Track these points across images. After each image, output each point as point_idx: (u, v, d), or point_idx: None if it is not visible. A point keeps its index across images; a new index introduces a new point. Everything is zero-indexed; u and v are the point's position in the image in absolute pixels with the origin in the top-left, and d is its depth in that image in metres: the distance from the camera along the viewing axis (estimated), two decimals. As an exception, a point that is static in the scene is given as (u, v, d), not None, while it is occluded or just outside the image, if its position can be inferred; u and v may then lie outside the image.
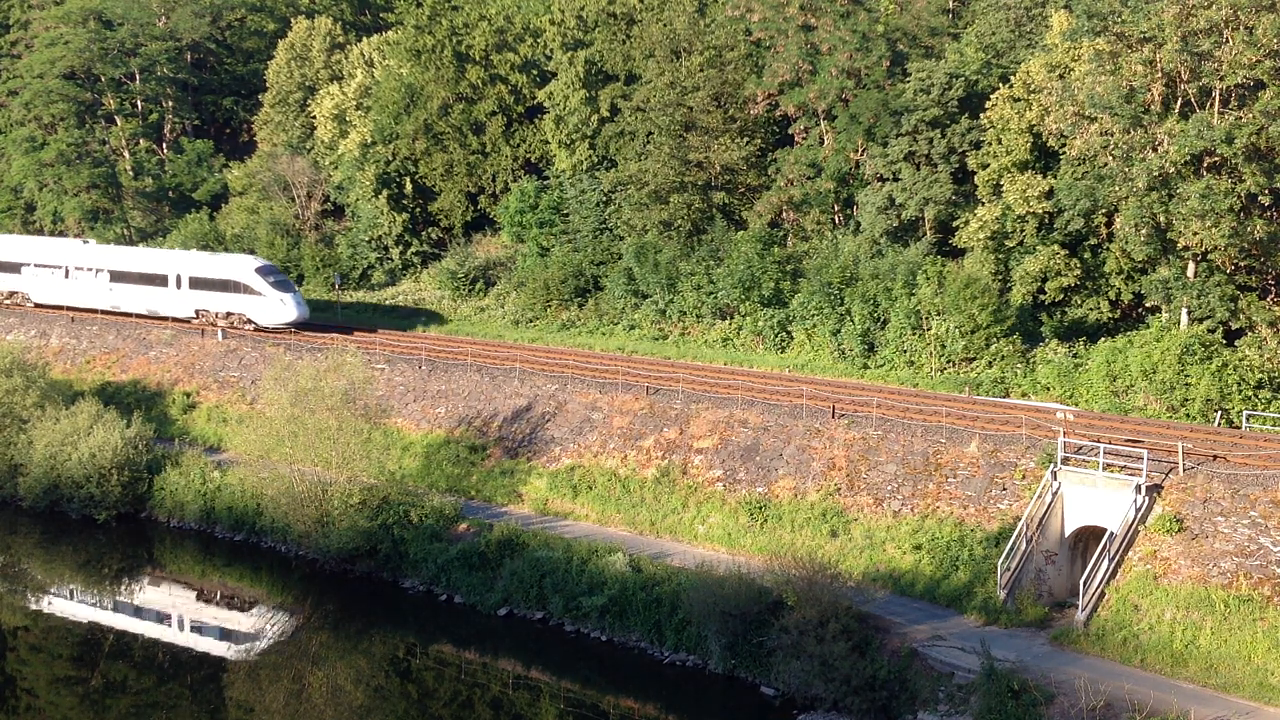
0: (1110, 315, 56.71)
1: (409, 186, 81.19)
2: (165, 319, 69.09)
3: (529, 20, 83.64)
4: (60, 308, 73.42)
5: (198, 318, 68.27)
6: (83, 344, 71.03)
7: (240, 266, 67.11)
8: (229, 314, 67.23)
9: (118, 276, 70.78)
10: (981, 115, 59.56)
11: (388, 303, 77.87)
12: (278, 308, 65.63)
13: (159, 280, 69.25)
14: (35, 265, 74.05)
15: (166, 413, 63.03)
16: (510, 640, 43.32)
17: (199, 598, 49.34)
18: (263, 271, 66.77)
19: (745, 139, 68.45)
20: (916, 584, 40.90)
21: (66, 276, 72.59)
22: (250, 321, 66.53)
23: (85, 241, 76.79)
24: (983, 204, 58.61)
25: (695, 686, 39.10)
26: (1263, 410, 47.16)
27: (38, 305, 74.75)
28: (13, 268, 75.50)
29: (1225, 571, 36.46)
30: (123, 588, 51.01)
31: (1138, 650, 35.78)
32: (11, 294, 75.91)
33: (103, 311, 71.57)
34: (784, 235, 67.66)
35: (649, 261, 66.94)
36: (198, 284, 67.87)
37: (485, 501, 51.56)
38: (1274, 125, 47.76)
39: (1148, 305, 55.63)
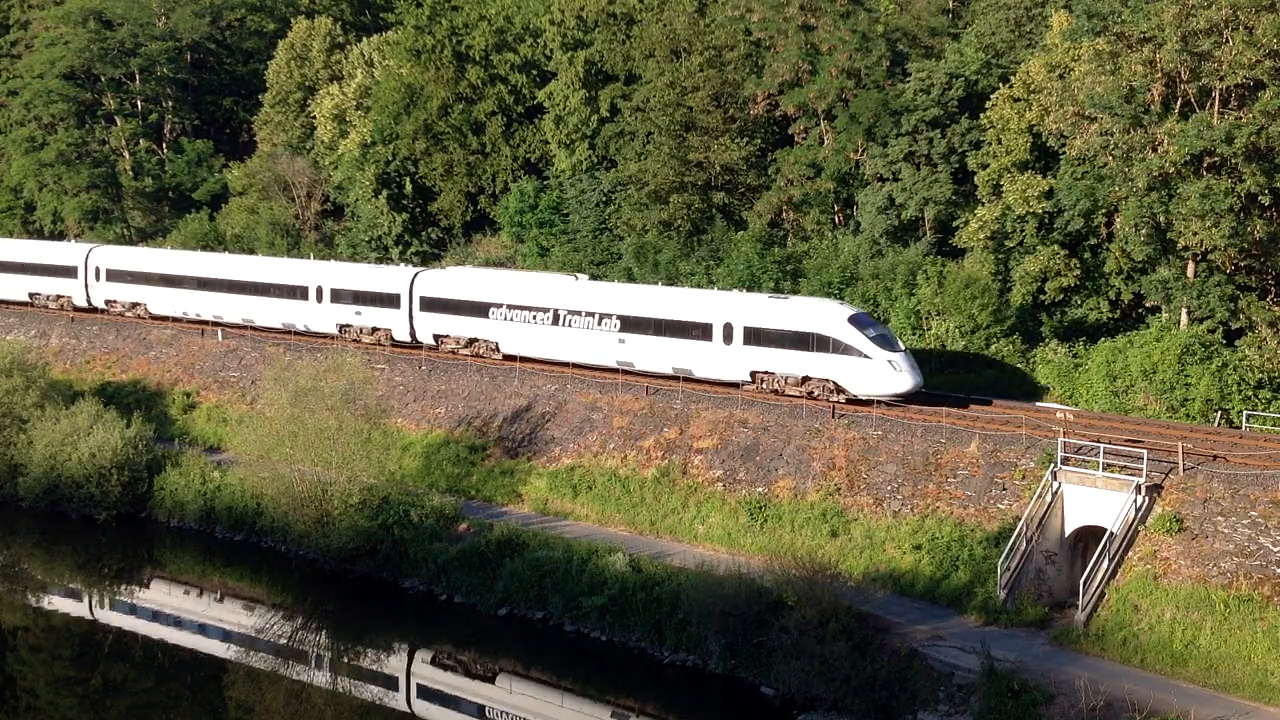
0: (1110, 315, 56.68)
1: (409, 186, 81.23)
2: (706, 383, 52.80)
3: (529, 20, 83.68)
4: (537, 362, 57.58)
5: (754, 382, 51.43)
6: (83, 344, 71.04)
7: (824, 315, 49.66)
8: (805, 379, 50.06)
9: (633, 325, 54.01)
10: (981, 115, 59.54)
11: None
12: (885, 373, 47.94)
13: (696, 331, 52.30)
14: (509, 307, 58.07)
15: (166, 413, 63.02)
16: (510, 640, 43.32)
17: (199, 598, 49.33)
18: (858, 323, 49.21)
19: (745, 139, 68.46)
20: (916, 584, 40.90)
21: (555, 323, 56.31)
22: (840, 390, 49.17)
23: (576, 276, 59.91)
24: (983, 204, 58.59)
25: (695, 686, 39.10)
26: (1263, 410, 47.16)
27: (507, 358, 58.83)
28: (476, 309, 59.47)
29: (1225, 571, 36.46)
30: (123, 588, 51.02)
31: (1138, 650, 35.78)
32: (471, 342, 60.21)
33: (607, 369, 55.46)
34: (784, 235, 67.66)
35: (649, 261, 66.94)
36: (755, 337, 50.74)
37: (485, 501, 51.56)
38: (1274, 125, 47.73)
39: (1148, 305, 55.61)
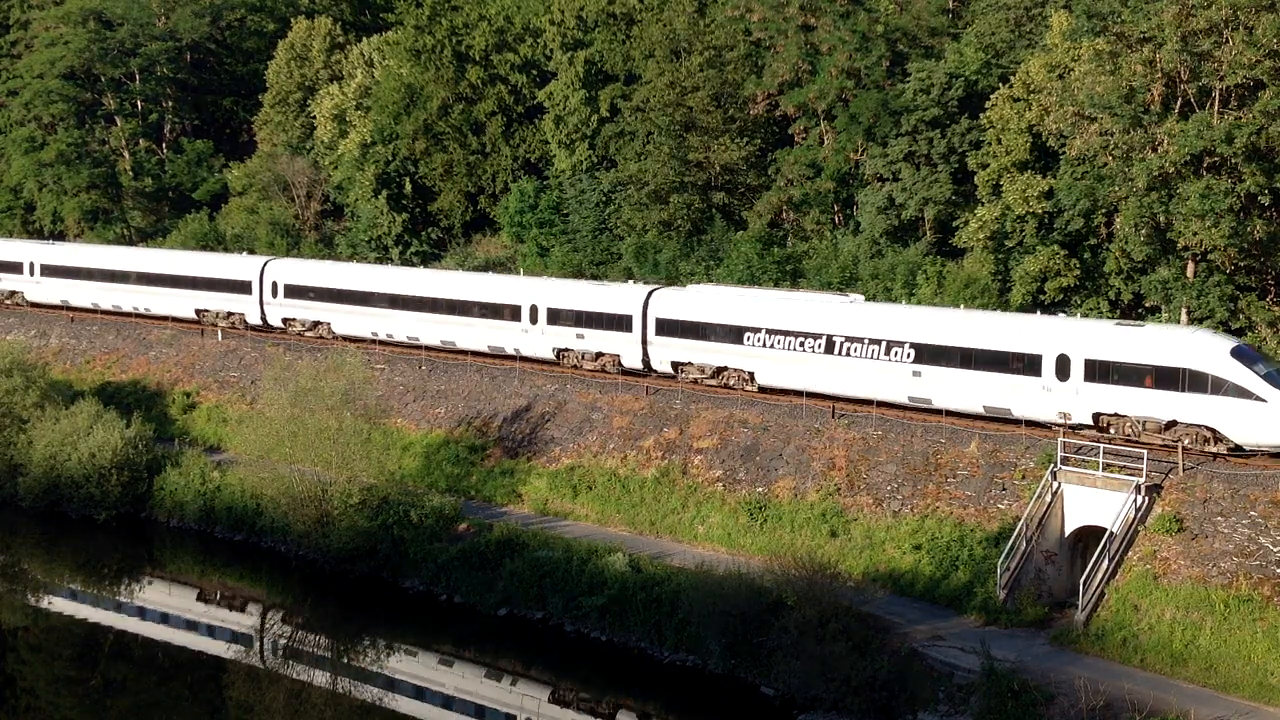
0: (1110, 315, 56.67)
1: (409, 186, 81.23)
2: (1028, 424, 44.87)
3: (529, 20, 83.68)
4: (807, 396, 49.75)
5: (1095, 426, 43.28)
6: (83, 344, 71.05)
7: (1200, 348, 40.96)
8: (1170, 424, 41.47)
9: (931, 355, 46.08)
10: (981, 115, 59.53)
11: None
12: None
13: (1019, 363, 44.16)
14: (768, 332, 50.36)
15: (166, 413, 63.03)
16: (510, 640, 43.32)
17: (199, 598, 49.33)
18: (1244, 356, 40.52)
19: (745, 139, 68.46)
20: (916, 584, 40.91)
21: (829, 351, 48.56)
22: (1219, 439, 40.59)
23: (850, 296, 51.56)
24: (982, 204, 58.58)
25: (695, 686, 39.09)
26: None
27: (763, 390, 51.14)
28: (726, 334, 51.80)
29: (1225, 571, 36.46)
30: (123, 588, 51.02)
31: (1137, 650, 35.78)
32: (719, 371, 52.39)
33: (897, 406, 47.85)
34: (784, 235, 67.67)
35: (649, 261, 66.94)
36: (1101, 372, 42.49)
37: (485, 501, 51.58)
38: (1274, 125, 47.72)
39: (1148, 305, 55.61)
